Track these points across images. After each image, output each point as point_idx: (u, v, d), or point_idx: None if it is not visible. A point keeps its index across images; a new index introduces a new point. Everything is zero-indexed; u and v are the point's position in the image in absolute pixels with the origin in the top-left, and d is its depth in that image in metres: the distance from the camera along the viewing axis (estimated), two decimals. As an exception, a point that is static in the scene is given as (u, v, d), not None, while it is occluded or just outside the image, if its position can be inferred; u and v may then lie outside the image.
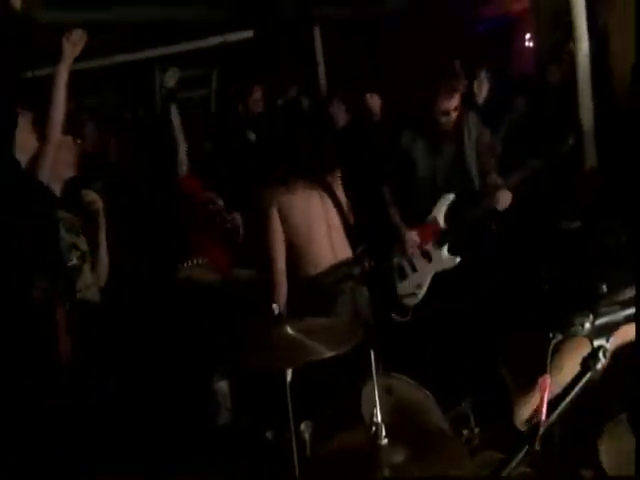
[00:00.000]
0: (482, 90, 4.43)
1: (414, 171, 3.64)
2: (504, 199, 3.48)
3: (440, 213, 3.62)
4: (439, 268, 3.63)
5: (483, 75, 4.49)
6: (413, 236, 3.62)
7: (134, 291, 3.65)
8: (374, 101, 4.59)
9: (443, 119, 3.51)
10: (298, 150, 3.03)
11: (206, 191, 3.92)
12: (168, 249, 3.90)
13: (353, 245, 3.15)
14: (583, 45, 3.97)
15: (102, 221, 3.01)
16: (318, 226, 2.99)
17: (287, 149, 3.06)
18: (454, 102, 3.48)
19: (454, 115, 3.53)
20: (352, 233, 3.15)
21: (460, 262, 3.58)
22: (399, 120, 3.69)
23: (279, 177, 2.98)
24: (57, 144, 2.74)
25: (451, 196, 3.62)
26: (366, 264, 3.21)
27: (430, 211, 3.64)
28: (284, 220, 2.94)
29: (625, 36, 3.88)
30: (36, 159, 2.72)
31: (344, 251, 3.07)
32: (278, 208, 2.94)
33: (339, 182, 3.17)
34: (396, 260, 3.70)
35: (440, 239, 3.62)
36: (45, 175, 2.73)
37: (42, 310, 2.55)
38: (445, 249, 3.62)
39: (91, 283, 2.97)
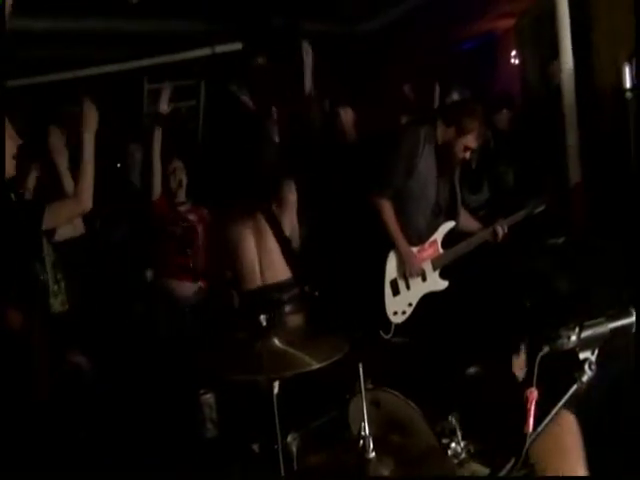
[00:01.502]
0: None
1: (417, 195, 3.66)
2: (502, 234, 3.66)
3: (440, 237, 3.70)
4: (430, 289, 3.71)
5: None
6: (415, 254, 3.66)
7: (114, 301, 3.66)
8: (348, 116, 4.65)
9: (461, 155, 3.58)
10: (225, 178, 3.14)
11: (174, 210, 3.98)
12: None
13: (294, 271, 3.18)
14: (568, 62, 4.03)
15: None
16: (247, 249, 3.11)
17: (216, 176, 3.18)
18: (475, 144, 3.60)
19: (467, 155, 3.63)
20: (292, 259, 3.19)
21: (447, 287, 3.70)
22: (415, 142, 3.66)
23: (214, 200, 3.12)
24: (85, 209, 2.76)
25: (452, 223, 3.70)
26: (306, 289, 3.20)
27: (430, 233, 3.69)
28: (218, 237, 3.17)
29: (609, 54, 3.95)
30: (54, 209, 2.70)
31: (276, 276, 3.13)
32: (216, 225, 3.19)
33: (287, 207, 3.19)
34: (392, 275, 3.71)
35: (436, 262, 3.70)
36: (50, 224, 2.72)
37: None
38: (438, 272, 3.70)
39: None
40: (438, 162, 3.62)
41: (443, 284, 3.71)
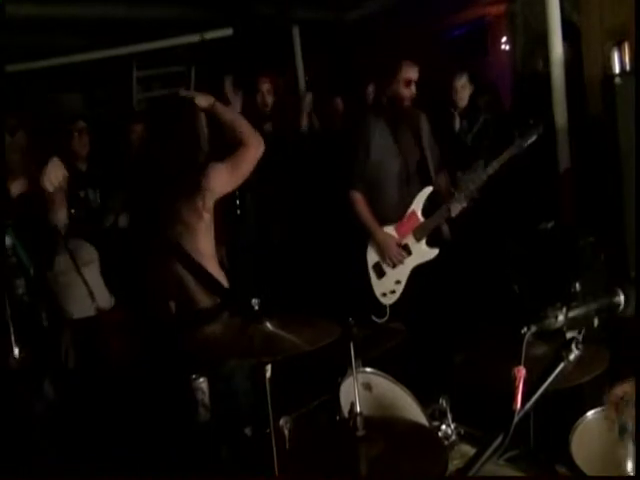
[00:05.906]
0: (464, 95, 4.50)
1: (382, 170, 3.64)
2: (455, 208, 3.56)
3: (419, 206, 3.65)
4: (418, 261, 3.64)
5: (465, 80, 4.53)
6: (392, 240, 3.63)
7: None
8: (335, 104, 4.63)
9: (405, 91, 3.55)
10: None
11: None
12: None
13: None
14: (557, 50, 4.03)
15: None
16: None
17: None
18: (416, 74, 3.57)
19: (414, 90, 3.58)
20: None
21: (438, 254, 3.61)
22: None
23: None
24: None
25: (429, 189, 3.65)
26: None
27: (407, 206, 3.65)
28: None
29: (598, 39, 3.96)
30: None
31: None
32: None
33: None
34: (374, 259, 3.71)
35: (419, 232, 3.64)
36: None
37: None
38: (424, 242, 3.64)
39: None
40: (395, 132, 3.61)
41: (432, 252, 3.61)
